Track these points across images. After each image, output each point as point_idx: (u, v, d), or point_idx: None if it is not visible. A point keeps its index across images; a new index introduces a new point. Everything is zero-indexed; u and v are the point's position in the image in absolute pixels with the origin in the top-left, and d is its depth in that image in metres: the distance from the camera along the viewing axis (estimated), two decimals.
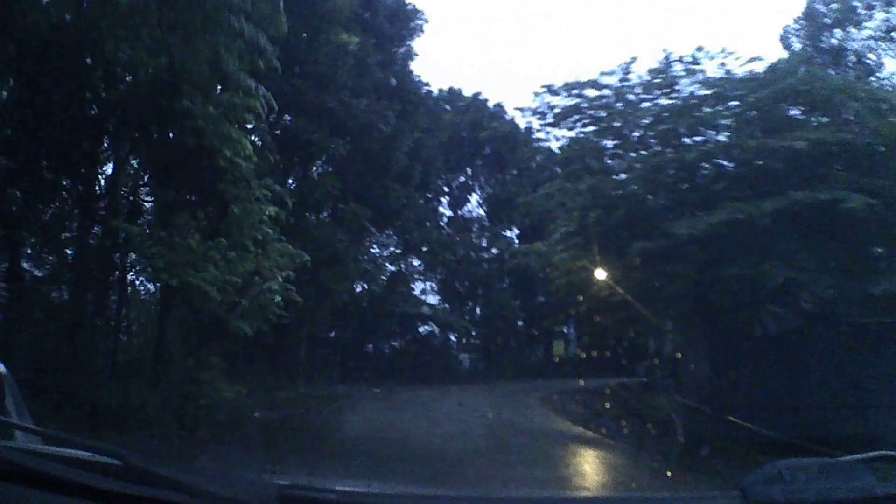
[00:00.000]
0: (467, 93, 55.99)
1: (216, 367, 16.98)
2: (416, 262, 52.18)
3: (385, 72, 31.96)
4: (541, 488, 10.77)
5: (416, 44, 37.64)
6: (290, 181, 28.17)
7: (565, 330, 62.58)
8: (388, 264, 47.96)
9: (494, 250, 57.73)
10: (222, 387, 16.70)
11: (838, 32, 35.44)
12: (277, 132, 25.64)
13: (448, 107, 52.42)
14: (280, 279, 16.83)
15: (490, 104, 56.48)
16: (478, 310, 55.35)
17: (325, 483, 2.59)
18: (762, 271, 16.71)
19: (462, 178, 57.66)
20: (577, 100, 23.05)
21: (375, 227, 33.44)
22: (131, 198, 20.48)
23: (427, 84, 40.23)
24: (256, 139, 19.29)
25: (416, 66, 36.43)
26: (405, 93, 33.28)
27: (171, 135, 17.42)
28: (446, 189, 56.56)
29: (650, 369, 46.78)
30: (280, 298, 17.01)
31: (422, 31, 37.37)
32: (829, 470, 2.75)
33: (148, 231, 17.34)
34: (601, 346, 64.16)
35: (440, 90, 50.02)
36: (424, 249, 50.51)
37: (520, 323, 53.60)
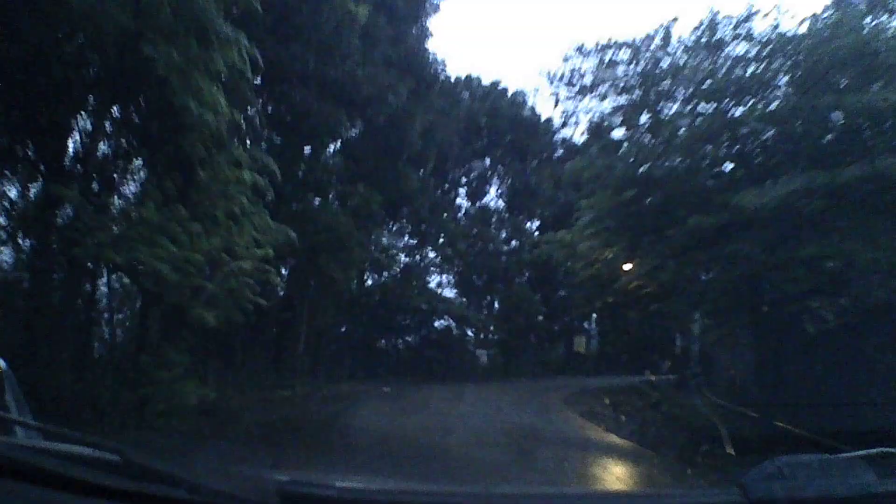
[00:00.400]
0: (486, 81, 52.69)
1: (178, 364, 13.95)
2: (431, 255, 49.11)
3: (396, 47, 28.81)
4: None
5: (432, 24, 34.53)
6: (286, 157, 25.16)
7: (587, 325, 59.74)
8: (401, 255, 45.00)
9: (514, 242, 54.84)
10: (185, 389, 13.70)
11: None
12: (270, 109, 22.75)
13: (466, 94, 49.34)
14: (258, 257, 13.78)
15: (509, 92, 53.12)
16: (496, 304, 52.44)
17: (325, 479, 2.41)
18: (844, 251, 13.57)
19: (480, 169, 54.30)
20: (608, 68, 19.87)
21: (386, 213, 30.42)
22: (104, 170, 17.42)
23: (443, 64, 37.48)
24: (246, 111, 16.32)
25: (431, 46, 33.20)
26: (418, 69, 30.06)
27: (138, 94, 14.46)
28: (464, 179, 53.42)
29: (677, 367, 44.50)
30: (256, 283, 13.91)
31: (438, 9, 34.25)
32: (830, 466, 2.60)
33: (93, 197, 14.20)
34: (623, 343, 61.71)
35: (457, 77, 47.02)
36: (441, 240, 47.48)
37: (540, 318, 50.48)
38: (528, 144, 53.30)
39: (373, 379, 35.58)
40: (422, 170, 33.00)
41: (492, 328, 47.13)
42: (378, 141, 26.88)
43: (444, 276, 50.82)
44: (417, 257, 47.33)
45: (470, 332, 49.21)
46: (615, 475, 12.75)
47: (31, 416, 4.82)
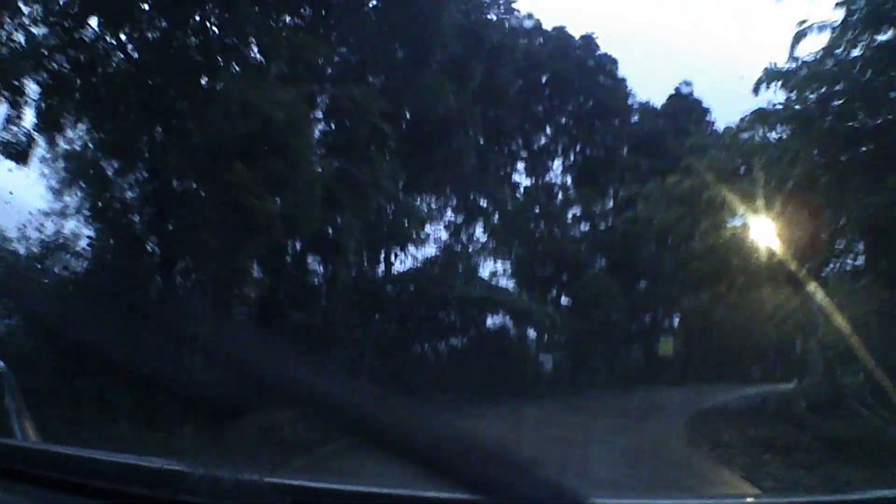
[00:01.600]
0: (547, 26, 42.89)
1: None
2: (482, 236, 38.58)
3: None
4: None
5: None
6: None
7: (673, 323, 49.08)
8: (441, 229, 34.63)
9: (584, 225, 44.20)
10: None
11: None
12: None
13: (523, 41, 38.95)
14: None
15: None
16: (563, 299, 41.57)
17: (325, 482, 2.50)
18: None
19: (543, 139, 43.63)
20: None
21: (409, 150, 20.15)
22: None
23: None
24: None
25: None
26: None
27: None
28: (523, 153, 42.87)
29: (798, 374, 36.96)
30: None
31: None
32: None
33: None
34: (713, 345, 49.97)
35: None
36: (495, 220, 36.86)
37: (614, 315, 39.34)
38: (603, 107, 42.42)
39: (403, 396, 25.29)
40: (464, 87, 22.58)
41: (558, 324, 36.05)
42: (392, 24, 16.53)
43: (499, 264, 40.11)
44: (464, 237, 36.58)
45: (531, 333, 38.37)
46: None
47: (30, 417, 4.59)
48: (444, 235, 35.14)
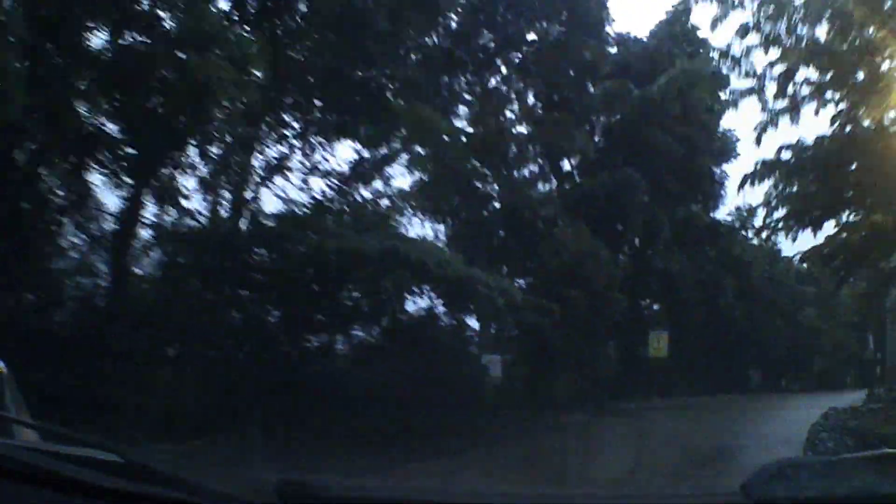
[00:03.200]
0: None
1: None
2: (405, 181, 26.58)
3: None
4: None
5: None
6: None
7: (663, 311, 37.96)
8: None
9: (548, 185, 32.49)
10: None
11: None
12: None
13: None
14: None
15: None
16: (520, 282, 29.57)
17: (323, 479, 2.34)
18: None
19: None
20: None
21: None
22: None
23: None
24: None
25: None
26: None
27: None
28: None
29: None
30: None
31: None
32: (832, 467, 2.70)
33: None
34: (705, 346, 39.37)
35: None
36: (422, 153, 24.26)
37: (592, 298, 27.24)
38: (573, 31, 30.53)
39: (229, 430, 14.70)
40: None
41: (518, 301, 23.58)
42: None
43: (431, 225, 28.30)
44: (381, 186, 24.43)
45: (473, 324, 26.47)
46: None
47: (30, 418, 4.41)
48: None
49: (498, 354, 27.55)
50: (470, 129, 28.47)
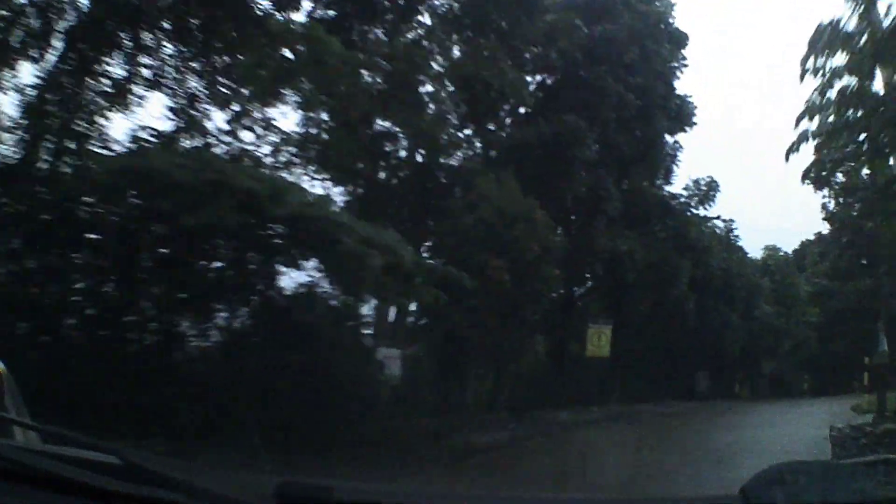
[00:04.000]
0: None
1: None
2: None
3: None
4: None
5: None
6: None
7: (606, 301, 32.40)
8: None
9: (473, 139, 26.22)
10: None
11: None
12: None
13: None
14: None
15: None
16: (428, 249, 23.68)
17: (322, 481, 2.24)
18: None
19: None
20: None
21: None
22: None
23: None
24: None
25: None
26: None
27: None
28: None
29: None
30: None
31: None
32: (831, 472, 2.62)
33: None
34: (650, 343, 33.85)
35: None
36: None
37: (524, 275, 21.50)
38: None
39: None
40: None
41: (422, 269, 17.12)
42: None
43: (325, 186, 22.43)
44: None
45: (368, 311, 21.54)
46: None
47: (30, 419, 4.10)
48: None
49: (397, 349, 22.43)
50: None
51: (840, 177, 19.59)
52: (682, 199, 35.28)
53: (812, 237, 53.49)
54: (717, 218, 38.56)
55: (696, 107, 33.38)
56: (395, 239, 15.85)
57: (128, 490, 1.97)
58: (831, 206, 55.33)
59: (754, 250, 48.52)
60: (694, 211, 35.66)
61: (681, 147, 34.67)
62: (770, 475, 2.25)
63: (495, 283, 18.28)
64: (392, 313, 23.58)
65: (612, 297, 31.98)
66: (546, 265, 20.40)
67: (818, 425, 19.28)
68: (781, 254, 54.51)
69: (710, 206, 35.58)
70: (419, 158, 23.03)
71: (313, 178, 22.46)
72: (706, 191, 34.39)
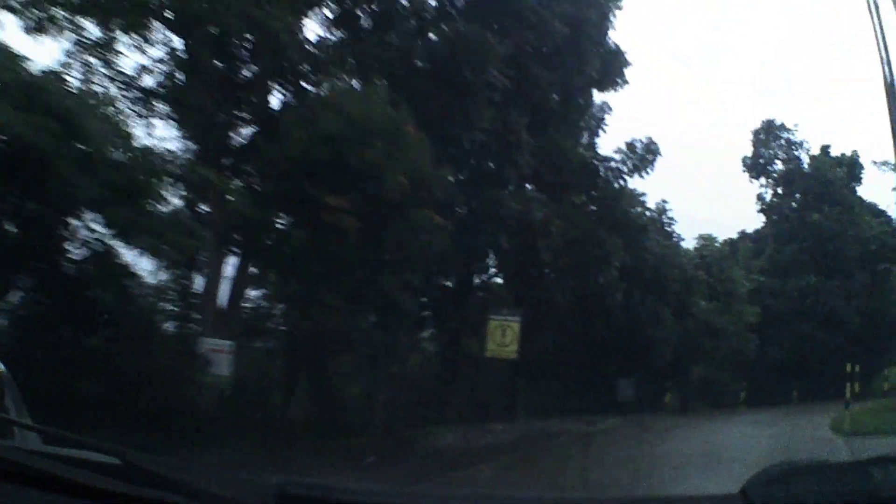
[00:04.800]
0: None
1: None
2: None
3: None
4: None
5: None
6: None
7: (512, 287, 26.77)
8: None
9: None
10: None
11: None
12: None
13: None
14: None
15: None
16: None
17: (322, 482, 2.38)
18: None
19: None
20: None
21: None
22: None
23: None
24: None
25: None
26: None
27: None
28: None
29: None
30: None
31: None
32: (831, 472, 2.73)
33: None
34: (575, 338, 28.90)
35: None
36: None
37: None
38: None
39: None
40: None
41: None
42: None
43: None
44: None
45: (197, 287, 17.70)
46: None
47: (30, 420, 4.60)
48: None
49: (225, 343, 17.04)
50: None
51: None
52: (613, 164, 29.53)
53: (748, 231, 50.93)
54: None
55: (629, 63, 28.04)
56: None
57: (128, 491, 2.01)
58: (768, 196, 51.22)
59: (686, 241, 45.05)
60: (628, 178, 29.79)
61: (610, 108, 30.02)
62: (770, 475, 2.32)
63: (335, 232, 12.04)
64: (226, 296, 18.05)
65: (521, 281, 25.86)
66: (419, 208, 13.98)
67: None
68: (717, 244, 51.16)
69: (648, 172, 30.47)
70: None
71: None
72: (642, 154, 28.92)
